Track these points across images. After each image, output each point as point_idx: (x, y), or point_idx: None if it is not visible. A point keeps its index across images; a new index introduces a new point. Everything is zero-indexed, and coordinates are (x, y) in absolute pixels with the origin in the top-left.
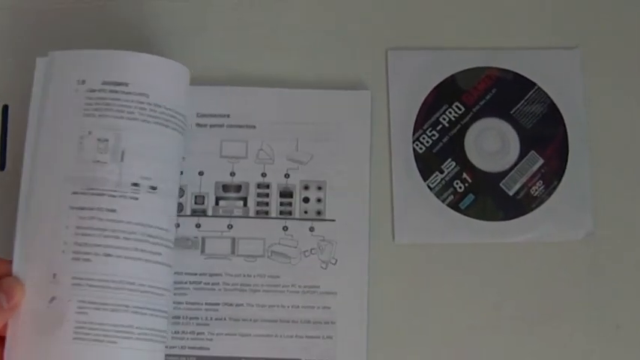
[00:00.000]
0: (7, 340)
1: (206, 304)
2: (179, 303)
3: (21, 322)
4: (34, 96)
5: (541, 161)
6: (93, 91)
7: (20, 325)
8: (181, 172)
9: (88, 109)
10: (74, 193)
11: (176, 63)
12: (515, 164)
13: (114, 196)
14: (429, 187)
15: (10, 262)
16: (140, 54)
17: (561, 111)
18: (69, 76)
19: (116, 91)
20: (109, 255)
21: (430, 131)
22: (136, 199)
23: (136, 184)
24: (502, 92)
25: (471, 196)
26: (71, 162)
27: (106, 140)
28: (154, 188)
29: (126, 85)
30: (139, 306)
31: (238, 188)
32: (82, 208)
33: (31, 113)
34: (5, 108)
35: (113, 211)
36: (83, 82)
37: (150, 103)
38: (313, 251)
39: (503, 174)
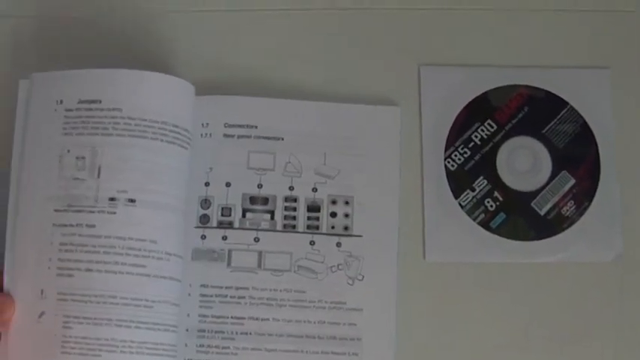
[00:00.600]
0: None
1: (232, 317)
2: (204, 316)
3: (13, 337)
4: (18, 117)
5: (572, 181)
6: (70, 110)
7: (12, 341)
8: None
9: (66, 127)
10: (56, 210)
11: (161, 75)
12: (547, 184)
13: (92, 212)
14: (460, 205)
15: (2, 275)
16: (114, 70)
17: (593, 131)
18: (48, 97)
19: (91, 109)
20: (89, 270)
21: (462, 148)
22: (114, 213)
23: (113, 199)
24: (534, 111)
25: (502, 215)
26: (53, 180)
27: (83, 157)
28: (132, 201)
29: (99, 102)
30: (123, 319)
31: (265, 201)
32: (64, 225)
33: (16, 134)
34: None
35: (92, 226)
36: (61, 102)
37: (123, 117)
38: (340, 267)
39: (534, 193)
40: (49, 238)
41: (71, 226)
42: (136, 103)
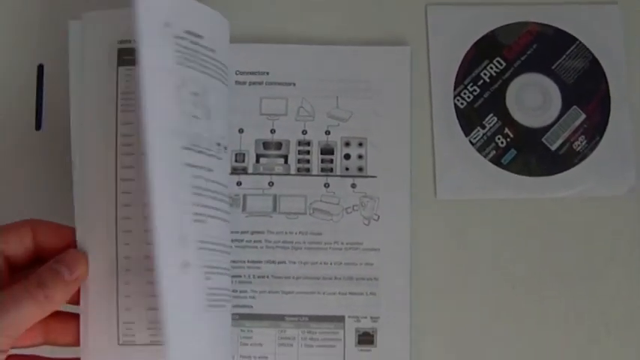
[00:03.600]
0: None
1: (248, 262)
2: None
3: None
4: (72, 53)
5: (583, 116)
6: (180, 38)
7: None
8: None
9: (178, 57)
10: (185, 148)
11: (220, 15)
12: (557, 119)
13: (210, 155)
14: (470, 142)
15: (73, 230)
16: (213, 11)
17: (603, 66)
18: (155, 17)
19: (197, 43)
20: (213, 217)
21: (471, 86)
22: (221, 159)
23: (218, 144)
24: (543, 47)
25: (512, 152)
26: (174, 112)
27: (197, 94)
28: (225, 148)
29: (202, 37)
30: (224, 267)
31: (279, 145)
32: (193, 166)
33: (71, 69)
34: (41, 67)
35: (211, 170)
36: (168, 25)
37: (215, 59)
38: (355, 208)
39: (545, 129)
40: (180, 179)
41: (199, 167)
42: (223, 47)
